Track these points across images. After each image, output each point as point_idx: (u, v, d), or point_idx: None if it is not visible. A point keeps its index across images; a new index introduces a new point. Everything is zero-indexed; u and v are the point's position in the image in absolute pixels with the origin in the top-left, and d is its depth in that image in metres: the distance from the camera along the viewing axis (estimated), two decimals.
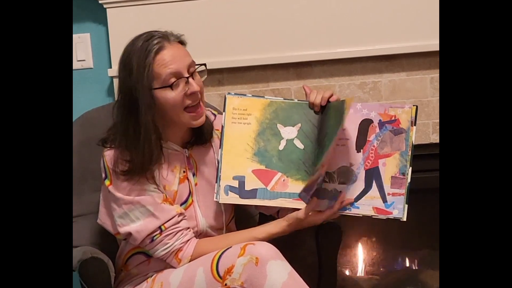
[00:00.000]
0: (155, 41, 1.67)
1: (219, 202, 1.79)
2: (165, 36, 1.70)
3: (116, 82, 2.37)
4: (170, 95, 1.68)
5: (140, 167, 1.68)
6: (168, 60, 1.67)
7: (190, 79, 1.70)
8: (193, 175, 1.81)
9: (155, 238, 1.72)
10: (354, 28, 2.34)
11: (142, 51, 1.66)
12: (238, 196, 1.78)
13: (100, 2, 2.36)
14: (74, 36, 2.42)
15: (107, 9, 2.37)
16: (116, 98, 1.76)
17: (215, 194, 1.78)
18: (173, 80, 1.67)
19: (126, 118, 1.68)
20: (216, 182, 1.79)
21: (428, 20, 2.29)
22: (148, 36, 1.69)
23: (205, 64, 1.75)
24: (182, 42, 1.74)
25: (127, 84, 1.67)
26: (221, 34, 2.33)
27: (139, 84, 1.65)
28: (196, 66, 1.73)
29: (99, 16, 2.42)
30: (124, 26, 2.36)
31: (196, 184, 1.81)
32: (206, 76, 1.77)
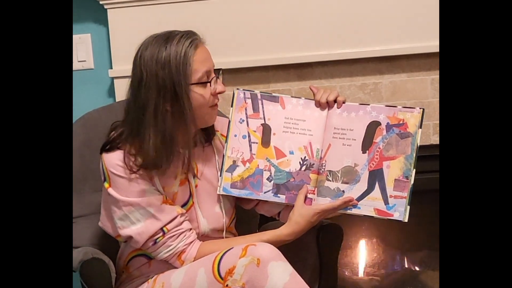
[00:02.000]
0: (192, 38, 1.70)
1: (220, 193, 1.81)
2: (196, 35, 1.72)
3: (117, 82, 2.38)
4: (203, 91, 1.71)
5: (158, 164, 1.69)
6: (204, 58, 1.71)
7: (218, 80, 1.75)
8: (194, 176, 1.81)
9: (158, 240, 1.72)
10: (355, 29, 2.35)
11: (178, 46, 1.67)
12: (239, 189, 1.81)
13: (101, 2, 2.36)
14: (74, 36, 2.42)
15: (108, 10, 2.37)
16: (128, 96, 1.73)
17: (218, 188, 1.81)
18: (206, 78, 1.71)
19: (163, 112, 1.67)
20: (220, 175, 1.81)
21: (429, 21, 2.29)
22: (177, 33, 1.70)
23: (221, 69, 1.78)
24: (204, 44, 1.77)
25: (164, 78, 1.66)
26: (222, 35, 2.34)
27: (179, 77, 1.66)
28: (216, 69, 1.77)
29: (100, 17, 2.42)
30: (124, 27, 2.37)
31: (196, 186, 1.81)
32: (221, 79, 1.80)
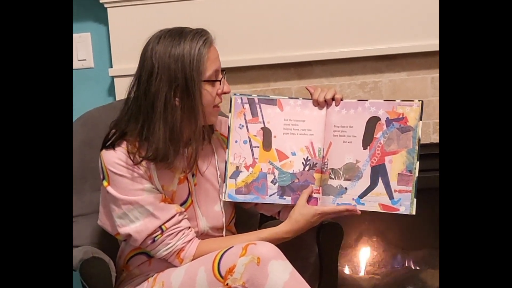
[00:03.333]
0: (206, 36, 1.71)
1: (226, 200, 1.81)
2: (209, 34, 1.73)
3: (117, 81, 2.38)
4: (210, 89, 1.72)
5: (166, 156, 1.69)
6: (214, 57, 1.72)
7: (224, 80, 1.75)
8: (193, 175, 1.81)
9: (156, 238, 1.72)
10: (355, 28, 2.35)
11: (192, 42, 1.68)
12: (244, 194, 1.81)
13: (100, 1, 2.36)
14: (75, 35, 2.43)
15: (108, 9, 2.37)
16: (129, 92, 1.74)
17: (223, 194, 1.81)
18: (215, 77, 1.72)
19: (173, 106, 1.67)
20: (224, 181, 1.81)
21: (429, 20, 2.29)
22: (190, 29, 1.72)
23: (224, 70, 1.79)
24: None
25: (176, 72, 1.67)
26: (222, 34, 2.31)
27: (192, 73, 1.67)
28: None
29: (100, 16, 2.42)
30: (124, 26, 2.37)
31: (195, 184, 1.82)
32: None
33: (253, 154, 1.81)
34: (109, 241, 1.90)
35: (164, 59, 1.67)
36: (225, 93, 1.76)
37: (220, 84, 1.74)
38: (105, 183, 1.73)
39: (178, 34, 1.70)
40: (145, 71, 1.69)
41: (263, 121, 1.82)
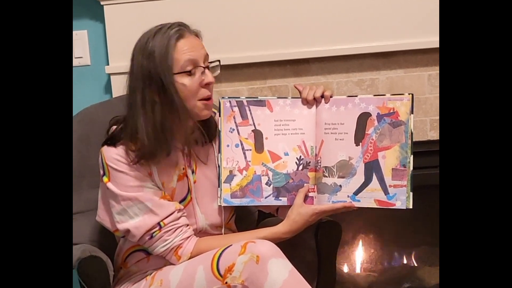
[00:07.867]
0: (175, 29, 1.70)
1: (222, 205, 1.81)
2: (185, 26, 1.73)
3: (114, 78, 2.38)
4: (187, 82, 1.70)
5: (153, 153, 1.69)
6: (186, 47, 1.70)
7: (206, 70, 1.73)
8: (192, 172, 1.81)
9: (154, 234, 1.72)
10: (352, 25, 2.35)
11: (163, 37, 1.68)
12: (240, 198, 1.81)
13: None
14: None
15: (104, 6, 2.37)
16: (128, 89, 1.74)
17: (218, 199, 1.81)
18: (190, 67, 1.70)
19: (151, 102, 1.68)
20: (219, 186, 1.81)
21: (426, 17, 2.29)
22: (168, 25, 1.72)
23: (219, 60, 1.78)
24: (197, 35, 1.77)
25: (148, 69, 1.67)
26: (218, 31, 2.33)
27: (162, 68, 1.67)
28: (212, 61, 1.77)
29: (96, 13, 2.42)
30: (121, 23, 2.36)
31: (195, 182, 1.81)
32: (219, 72, 1.80)
33: (245, 157, 1.81)
34: (107, 239, 1.90)
35: (138, 57, 1.69)
36: (207, 83, 1.72)
37: (195, 74, 1.70)
38: (105, 179, 1.73)
39: (155, 30, 1.71)
40: (130, 68, 1.72)
41: (254, 123, 1.81)
